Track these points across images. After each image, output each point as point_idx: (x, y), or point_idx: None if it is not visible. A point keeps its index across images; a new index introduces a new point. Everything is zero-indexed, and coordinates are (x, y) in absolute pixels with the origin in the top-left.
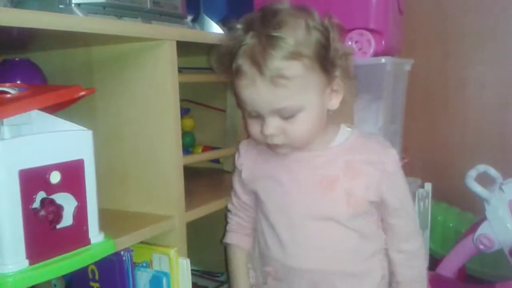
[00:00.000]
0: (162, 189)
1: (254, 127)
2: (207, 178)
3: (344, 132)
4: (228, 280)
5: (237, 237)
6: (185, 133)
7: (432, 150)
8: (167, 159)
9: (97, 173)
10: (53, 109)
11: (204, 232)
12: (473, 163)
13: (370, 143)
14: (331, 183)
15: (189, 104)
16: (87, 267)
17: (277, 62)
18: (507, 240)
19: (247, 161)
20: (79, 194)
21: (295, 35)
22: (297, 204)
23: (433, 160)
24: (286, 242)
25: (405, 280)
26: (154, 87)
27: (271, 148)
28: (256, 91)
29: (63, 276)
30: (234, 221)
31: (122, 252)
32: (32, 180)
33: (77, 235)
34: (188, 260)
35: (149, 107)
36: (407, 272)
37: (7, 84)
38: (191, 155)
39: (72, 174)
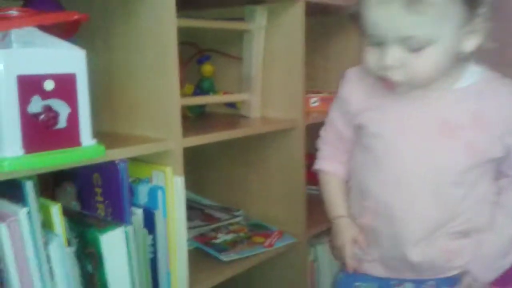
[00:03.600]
0: (162, 118)
1: (372, 56)
2: (221, 120)
3: (473, 72)
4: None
5: (331, 164)
6: (205, 78)
7: None
8: (167, 94)
9: (100, 102)
10: (60, 35)
11: (222, 170)
12: None
13: (502, 90)
14: (453, 131)
15: (210, 52)
16: (92, 175)
17: None
18: None
19: (356, 92)
20: (72, 102)
21: None
22: (409, 148)
23: None
24: (389, 183)
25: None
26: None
27: (386, 84)
28: (386, 12)
29: (75, 184)
30: (327, 149)
31: (117, 161)
32: (29, 85)
33: (69, 137)
34: (183, 178)
35: (151, 43)
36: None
37: (15, 8)
38: (190, 98)
39: (65, 84)
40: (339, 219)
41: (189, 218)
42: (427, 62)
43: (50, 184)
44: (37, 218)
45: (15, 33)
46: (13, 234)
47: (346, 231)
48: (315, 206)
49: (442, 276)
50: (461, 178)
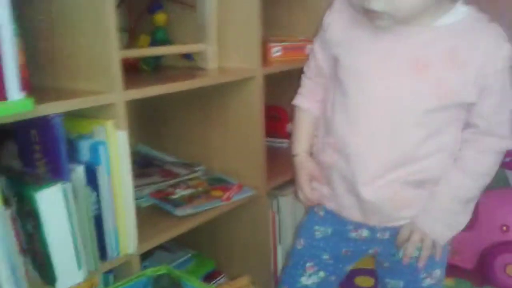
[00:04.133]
0: (101, 71)
1: None
2: (175, 72)
3: (457, 11)
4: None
5: (307, 102)
6: (158, 29)
7: None
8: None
9: (41, 56)
10: None
11: (180, 125)
12: None
13: (483, 31)
14: (424, 69)
15: (162, 0)
16: (30, 131)
17: None
18: None
19: (337, 21)
20: None
21: None
22: (379, 82)
23: None
24: (352, 119)
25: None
26: None
27: (368, 17)
28: None
29: (16, 142)
30: (307, 85)
31: (51, 116)
32: None
33: None
34: (126, 132)
35: None
36: (469, 162)
37: None
38: (131, 50)
39: None
40: (296, 157)
41: (148, 174)
42: None
43: None
44: None
45: None
46: None
47: (302, 168)
48: (276, 158)
49: (388, 224)
50: (424, 119)
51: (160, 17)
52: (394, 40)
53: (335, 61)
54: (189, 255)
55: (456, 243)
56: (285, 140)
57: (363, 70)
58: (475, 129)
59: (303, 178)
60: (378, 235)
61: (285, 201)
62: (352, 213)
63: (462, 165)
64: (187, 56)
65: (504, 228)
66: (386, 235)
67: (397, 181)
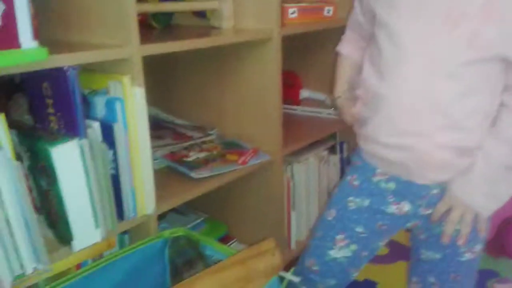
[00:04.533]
0: (117, 24)
1: None
2: (188, 30)
3: None
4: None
5: (348, 48)
6: None
7: None
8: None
9: (51, 8)
10: None
11: (195, 88)
12: None
13: None
14: (457, 20)
15: None
16: (41, 84)
17: None
18: None
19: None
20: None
21: None
22: (411, 35)
23: None
24: (385, 75)
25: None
26: None
27: None
28: None
29: (27, 96)
30: (348, 34)
31: (65, 67)
32: None
33: (6, 37)
34: (143, 89)
35: None
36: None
37: None
38: (148, 5)
39: None
40: (337, 99)
41: (160, 137)
42: None
43: (2, 97)
44: None
45: None
46: None
47: (343, 113)
48: (289, 124)
49: (414, 180)
50: (459, 71)
51: None
52: None
53: (372, 16)
54: (202, 218)
55: None
56: (298, 107)
57: (396, 26)
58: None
59: (347, 118)
60: (421, 210)
61: (300, 168)
62: (383, 161)
63: (499, 131)
64: (200, 14)
65: None
66: (429, 210)
67: (429, 140)
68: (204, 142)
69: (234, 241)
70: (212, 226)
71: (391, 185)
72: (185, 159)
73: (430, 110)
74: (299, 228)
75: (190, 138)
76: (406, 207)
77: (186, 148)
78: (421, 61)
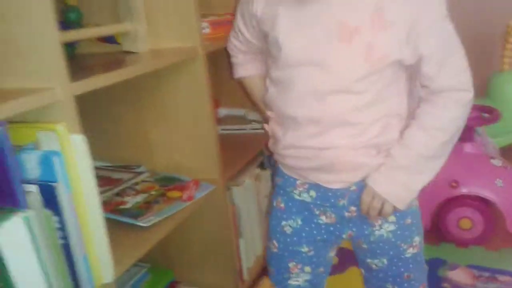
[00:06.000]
0: (39, 61)
1: None
2: (102, 59)
3: None
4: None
5: (250, 69)
6: (68, 8)
7: None
8: (41, 29)
9: None
10: None
11: (111, 123)
12: None
13: None
14: (352, 32)
15: None
16: None
17: None
18: None
19: (278, 21)
20: None
21: None
22: (304, 51)
23: None
24: (287, 94)
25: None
26: None
27: None
28: None
29: None
30: (242, 57)
31: None
32: None
33: None
34: (83, 137)
35: None
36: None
37: None
38: (72, 31)
39: None
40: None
41: None
42: None
43: None
44: None
45: None
46: None
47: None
48: (225, 147)
49: (332, 185)
50: (357, 86)
51: None
52: (318, 9)
53: (263, 35)
54: (145, 269)
55: None
56: (219, 127)
57: (287, 40)
58: (427, 89)
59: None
60: (346, 214)
61: (239, 191)
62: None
63: (418, 122)
64: (108, 40)
65: (454, 184)
66: (354, 213)
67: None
68: (136, 183)
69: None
70: (157, 275)
71: (312, 194)
72: (122, 206)
73: (337, 124)
74: (248, 255)
75: (119, 181)
76: (333, 215)
77: (118, 194)
78: (317, 79)
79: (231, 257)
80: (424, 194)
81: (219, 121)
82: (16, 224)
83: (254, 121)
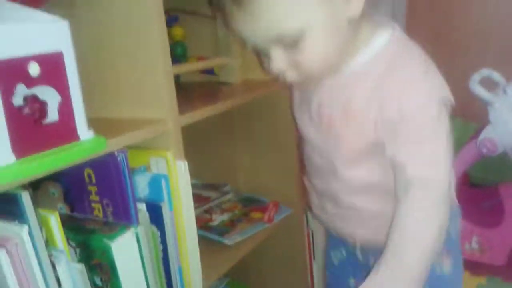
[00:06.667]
0: (153, 95)
1: (266, 64)
2: (203, 89)
3: (374, 44)
4: None
5: None
6: (175, 43)
7: (434, 55)
8: (155, 65)
9: (87, 82)
10: (30, 4)
11: (204, 145)
12: (476, 69)
13: (391, 70)
14: (328, 123)
15: (177, 12)
16: (83, 171)
17: None
18: (510, 142)
19: (293, 91)
20: (62, 88)
21: None
22: (309, 139)
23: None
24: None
25: (398, 237)
26: None
27: (295, 86)
28: (238, 22)
29: (61, 183)
30: None
31: (116, 153)
32: (10, 72)
33: (65, 131)
34: (186, 163)
35: (132, 8)
36: (406, 222)
37: None
38: (181, 64)
39: (52, 66)
40: None
41: None
42: (313, 53)
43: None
44: (39, 235)
45: None
46: (15, 261)
47: None
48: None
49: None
50: (345, 169)
51: (177, 31)
52: (313, 93)
53: None
54: (225, 283)
55: (484, 241)
56: None
57: (297, 115)
58: (398, 184)
59: None
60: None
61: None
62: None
63: (398, 231)
64: (208, 71)
65: None
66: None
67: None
68: (222, 202)
69: None
70: None
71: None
72: (210, 223)
73: (346, 203)
74: (319, 279)
75: (208, 199)
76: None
77: (206, 211)
78: (316, 158)
79: (305, 278)
80: (500, 230)
81: None
82: (128, 238)
83: None
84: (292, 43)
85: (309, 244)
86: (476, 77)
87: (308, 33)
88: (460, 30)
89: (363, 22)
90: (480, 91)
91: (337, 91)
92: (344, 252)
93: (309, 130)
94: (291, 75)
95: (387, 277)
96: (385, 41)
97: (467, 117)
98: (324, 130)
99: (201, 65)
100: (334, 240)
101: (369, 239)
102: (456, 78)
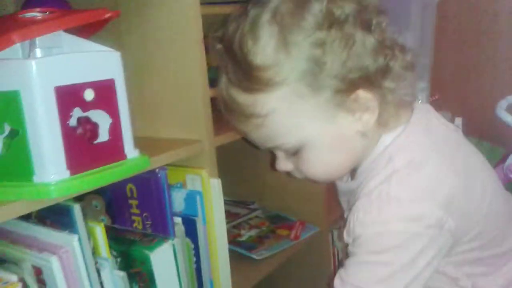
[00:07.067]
0: (191, 117)
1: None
2: None
3: (379, 147)
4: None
5: None
6: (210, 68)
7: (463, 84)
8: (194, 89)
9: (130, 104)
10: (82, 34)
11: (233, 164)
12: (504, 96)
13: (368, 186)
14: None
15: None
16: (125, 186)
17: (239, 97)
18: None
19: None
20: (113, 111)
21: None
22: None
23: (464, 95)
24: None
25: None
26: (176, 16)
27: None
28: (240, 130)
29: (103, 197)
30: None
31: (157, 170)
32: (68, 97)
33: (114, 150)
34: (219, 180)
35: (173, 36)
36: None
37: (37, 9)
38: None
39: (105, 92)
40: None
41: None
42: (310, 163)
43: None
44: (88, 245)
45: (39, 38)
46: (66, 267)
47: None
48: (330, 190)
49: None
50: None
51: (212, 57)
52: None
53: None
54: None
55: None
56: None
57: None
58: None
59: None
60: None
61: (338, 234)
62: None
63: None
64: None
65: None
66: None
67: None
68: (250, 218)
69: None
70: None
71: None
72: (239, 239)
73: None
74: None
75: (237, 216)
76: None
77: (235, 227)
78: None
79: None
80: None
81: None
82: (166, 249)
83: None
84: (291, 153)
85: (334, 262)
86: (503, 104)
87: (308, 146)
88: (488, 58)
89: (381, 128)
90: (507, 117)
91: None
92: None
93: None
94: (298, 175)
95: None
96: (390, 139)
97: (495, 142)
98: None
99: None
100: None
101: None
102: (484, 104)
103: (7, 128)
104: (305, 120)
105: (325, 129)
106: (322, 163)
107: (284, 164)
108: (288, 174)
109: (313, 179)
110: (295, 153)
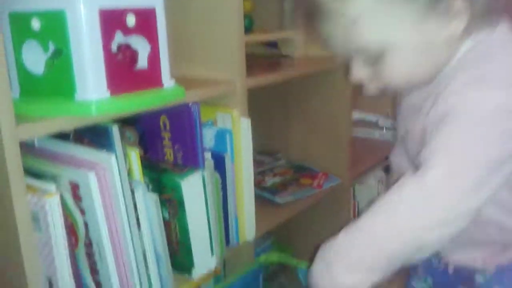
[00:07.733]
0: (225, 58)
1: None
2: (266, 60)
3: (463, 53)
4: None
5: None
6: (244, 15)
7: None
8: (230, 31)
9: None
10: None
11: (260, 115)
12: None
13: (460, 72)
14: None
15: None
16: (159, 118)
17: None
18: None
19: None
20: (152, 39)
21: None
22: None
23: None
24: None
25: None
26: None
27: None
28: (320, 32)
29: (136, 128)
30: None
31: (190, 104)
32: (111, 20)
33: (152, 77)
34: (249, 120)
35: None
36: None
37: None
38: (251, 35)
39: (146, 19)
40: None
41: None
42: (394, 67)
43: None
44: (123, 165)
45: None
46: (102, 183)
47: None
48: (354, 147)
49: None
50: None
51: (246, 4)
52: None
53: None
54: (270, 241)
55: None
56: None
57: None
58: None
59: None
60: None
61: (361, 190)
62: None
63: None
64: (271, 45)
65: None
66: None
67: None
68: (274, 167)
69: None
70: (279, 249)
71: None
72: (263, 184)
73: None
74: None
75: (262, 164)
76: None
77: (259, 174)
78: None
79: None
80: None
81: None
82: (196, 179)
83: (386, 128)
84: (373, 58)
85: (354, 216)
86: None
87: (392, 51)
88: None
89: (465, 36)
90: None
91: (418, 109)
92: (430, 282)
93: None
94: (372, 87)
95: (345, 244)
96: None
97: None
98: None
99: (268, 36)
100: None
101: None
102: None
103: (51, 47)
104: (395, 22)
105: (414, 33)
106: (407, 67)
107: (360, 71)
108: (360, 85)
109: (392, 85)
110: (376, 58)
